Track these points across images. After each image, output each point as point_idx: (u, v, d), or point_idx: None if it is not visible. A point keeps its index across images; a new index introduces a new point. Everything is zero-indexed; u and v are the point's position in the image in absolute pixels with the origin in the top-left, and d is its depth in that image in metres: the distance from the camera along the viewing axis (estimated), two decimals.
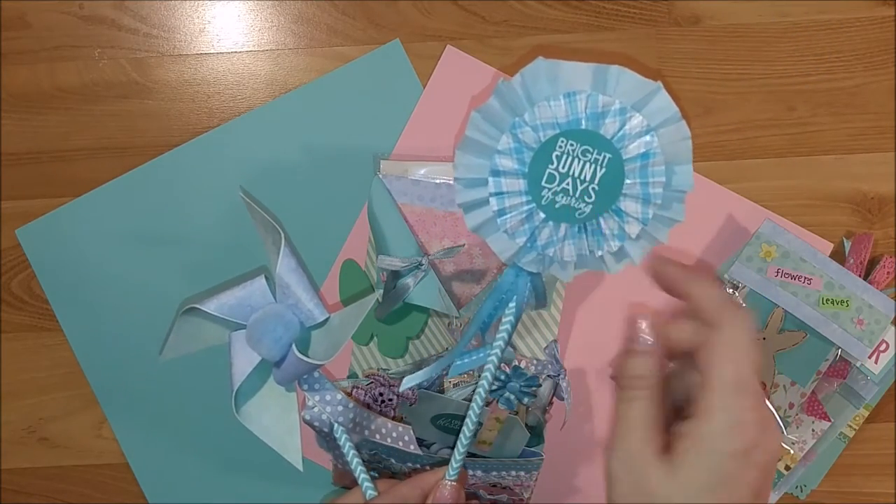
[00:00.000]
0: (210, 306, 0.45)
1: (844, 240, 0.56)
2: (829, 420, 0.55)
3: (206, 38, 0.57)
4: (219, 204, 0.57)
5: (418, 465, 0.51)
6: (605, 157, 0.36)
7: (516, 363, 0.53)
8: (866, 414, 0.55)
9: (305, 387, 0.45)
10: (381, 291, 0.53)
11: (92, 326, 0.57)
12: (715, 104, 0.57)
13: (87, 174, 0.57)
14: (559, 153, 0.36)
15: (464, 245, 0.54)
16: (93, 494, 0.58)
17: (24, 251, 0.57)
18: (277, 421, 0.46)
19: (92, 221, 0.56)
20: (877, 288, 0.54)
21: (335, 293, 0.56)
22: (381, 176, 0.54)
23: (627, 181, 0.37)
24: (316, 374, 0.45)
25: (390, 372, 0.54)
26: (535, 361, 0.54)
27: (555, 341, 0.54)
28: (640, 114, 0.36)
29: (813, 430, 0.55)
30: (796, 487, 0.56)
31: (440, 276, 0.53)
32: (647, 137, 0.36)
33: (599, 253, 0.38)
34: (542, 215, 0.38)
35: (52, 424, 0.58)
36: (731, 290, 0.54)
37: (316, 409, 0.45)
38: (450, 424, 0.51)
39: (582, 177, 0.37)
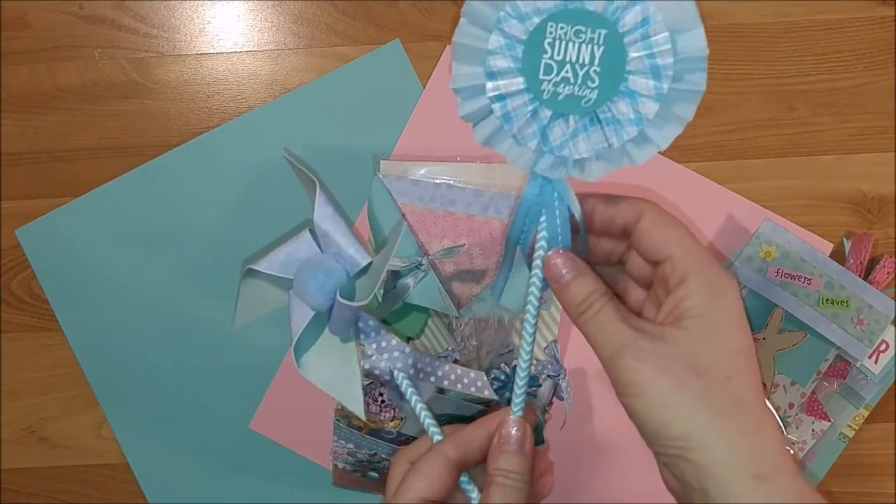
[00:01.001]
0: (262, 265, 0.46)
1: (844, 240, 0.56)
2: (829, 420, 0.55)
3: (206, 38, 0.57)
4: (219, 204, 0.57)
5: None
6: (599, 34, 0.34)
7: (514, 364, 0.53)
8: (866, 414, 0.55)
9: (362, 336, 0.45)
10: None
11: (92, 326, 0.57)
12: (715, 104, 0.57)
13: (87, 174, 0.57)
14: (551, 40, 0.34)
15: (464, 245, 0.54)
16: (93, 494, 0.58)
17: (24, 251, 0.57)
18: (337, 371, 0.46)
19: (92, 221, 0.56)
20: (877, 288, 0.54)
21: None
22: (381, 176, 0.54)
23: (631, 55, 0.34)
24: (371, 323, 0.45)
25: None
26: (535, 361, 0.54)
27: (555, 341, 0.54)
28: None
29: (813, 430, 0.55)
30: None
31: (440, 276, 0.53)
32: (641, 4, 0.33)
33: (618, 143, 0.35)
34: (549, 112, 0.35)
35: (52, 424, 0.58)
36: None
37: (374, 357, 0.45)
38: (449, 424, 0.51)
39: (580, 60, 0.34)
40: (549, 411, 0.54)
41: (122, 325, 0.57)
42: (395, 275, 0.52)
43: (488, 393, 0.46)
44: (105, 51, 0.56)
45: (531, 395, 0.53)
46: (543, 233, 0.38)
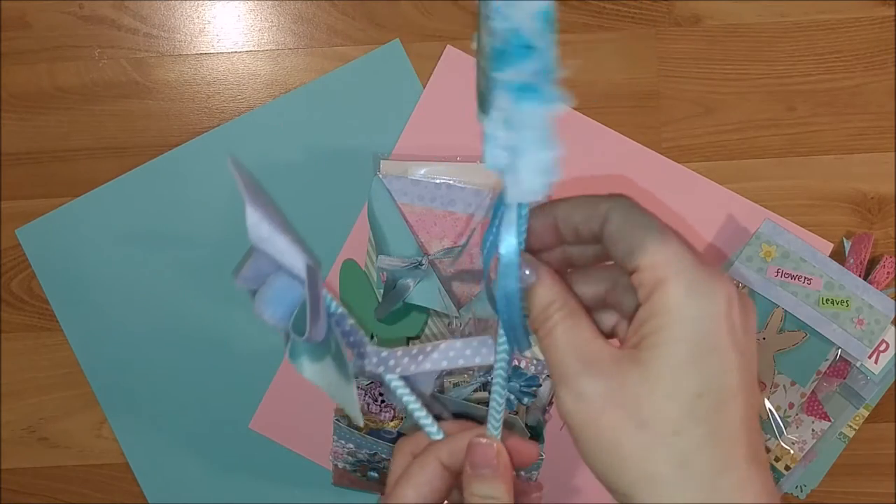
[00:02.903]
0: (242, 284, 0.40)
1: (844, 240, 0.56)
2: (829, 420, 0.55)
3: (206, 38, 0.57)
4: (219, 204, 0.57)
5: None
6: None
7: (516, 363, 0.53)
8: (866, 414, 0.55)
9: (343, 341, 0.40)
10: (381, 291, 0.53)
11: (92, 326, 0.57)
12: (715, 104, 0.57)
13: (87, 174, 0.57)
14: None
15: (464, 245, 0.54)
16: (93, 494, 0.58)
17: (24, 251, 0.57)
18: (334, 373, 0.41)
19: (92, 221, 0.56)
20: (877, 288, 0.54)
21: (335, 293, 0.56)
22: (381, 176, 0.54)
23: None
24: (348, 327, 0.41)
25: None
26: (535, 361, 0.54)
27: None
28: None
29: (813, 430, 0.55)
30: (796, 487, 0.56)
31: (440, 276, 0.53)
32: None
33: None
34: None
35: (52, 424, 0.58)
36: None
37: (358, 362, 0.42)
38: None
39: None
40: (549, 411, 0.54)
41: (122, 324, 0.57)
42: (395, 275, 0.52)
43: (494, 358, 0.40)
44: (105, 51, 0.56)
45: (531, 396, 0.53)
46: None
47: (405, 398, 0.42)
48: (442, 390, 0.53)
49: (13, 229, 0.57)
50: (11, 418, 0.58)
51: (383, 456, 0.52)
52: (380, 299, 0.54)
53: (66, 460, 0.58)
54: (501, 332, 0.35)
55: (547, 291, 0.30)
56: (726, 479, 0.26)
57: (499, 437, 0.39)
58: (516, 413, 0.52)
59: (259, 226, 0.39)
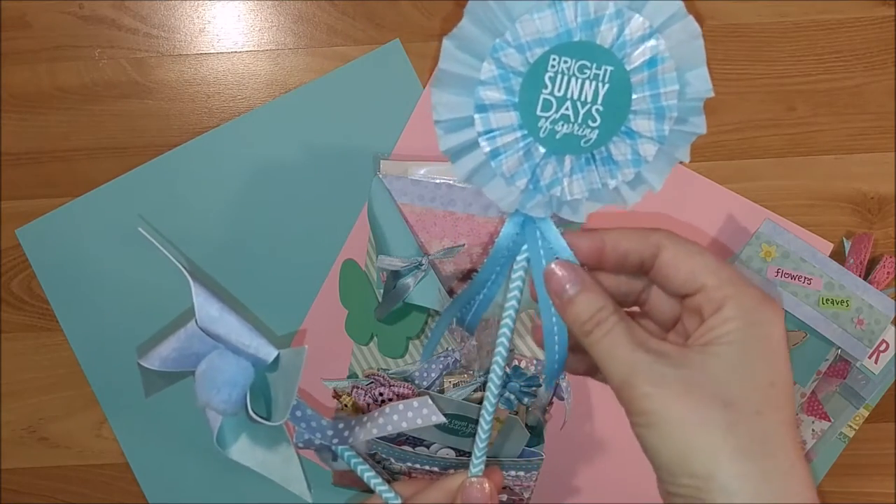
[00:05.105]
0: (154, 363, 0.41)
1: (844, 240, 0.56)
2: (829, 420, 0.55)
3: (206, 38, 0.57)
4: (219, 203, 0.57)
5: (417, 465, 0.51)
6: (605, 70, 0.31)
7: (516, 363, 0.53)
8: (866, 414, 0.55)
9: (288, 416, 0.41)
10: (381, 291, 0.53)
11: (92, 326, 0.57)
12: (715, 104, 0.57)
13: (87, 174, 0.57)
14: (552, 74, 0.31)
15: (464, 245, 0.54)
16: (93, 494, 0.58)
17: (24, 251, 0.57)
18: (272, 453, 0.43)
19: (92, 221, 0.57)
20: (877, 288, 0.54)
21: (335, 293, 0.56)
22: (381, 176, 0.54)
23: (635, 95, 0.32)
24: (294, 402, 0.41)
25: (390, 372, 0.54)
26: (535, 361, 0.54)
27: None
28: (639, 14, 0.31)
29: (813, 430, 0.55)
30: None
31: (440, 276, 0.53)
32: (652, 41, 0.31)
33: (613, 184, 0.33)
34: (543, 150, 0.32)
35: (52, 424, 0.58)
36: None
37: (307, 436, 0.43)
38: (450, 424, 0.51)
39: (582, 98, 0.32)
40: (549, 411, 0.54)
41: (122, 324, 0.57)
42: (395, 275, 0.52)
43: (435, 419, 0.44)
44: (105, 51, 0.56)
45: (531, 396, 0.53)
46: (520, 272, 0.35)
47: (360, 468, 0.43)
48: (442, 390, 0.53)
49: (13, 229, 0.57)
50: (11, 418, 0.58)
51: (383, 456, 0.52)
52: (380, 299, 0.54)
53: (66, 460, 0.58)
54: (489, 394, 0.38)
55: (596, 297, 0.32)
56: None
57: (481, 474, 0.41)
58: (516, 413, 0.52)
59: (208, 305, 0.40)
